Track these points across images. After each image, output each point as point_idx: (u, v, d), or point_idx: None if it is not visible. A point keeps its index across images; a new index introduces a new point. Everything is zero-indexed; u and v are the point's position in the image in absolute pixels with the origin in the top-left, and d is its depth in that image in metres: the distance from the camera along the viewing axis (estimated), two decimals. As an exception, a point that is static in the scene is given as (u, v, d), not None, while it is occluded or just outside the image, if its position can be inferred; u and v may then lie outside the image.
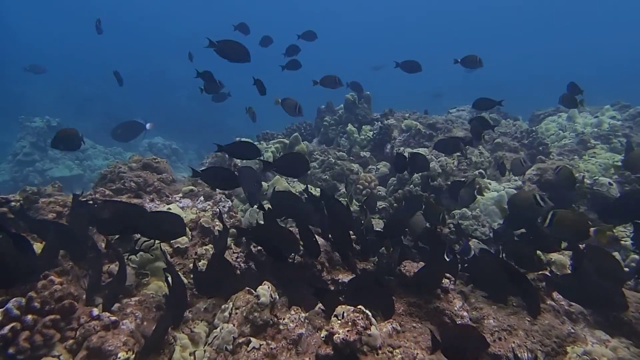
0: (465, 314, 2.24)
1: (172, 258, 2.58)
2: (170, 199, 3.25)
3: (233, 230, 2.86)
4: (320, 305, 2.26)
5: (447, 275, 2.38)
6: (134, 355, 1.81)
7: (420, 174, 3.94)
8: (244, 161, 4.58)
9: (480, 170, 4.45)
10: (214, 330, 2.11)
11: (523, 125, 6.51)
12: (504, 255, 2.51)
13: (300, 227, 2.48)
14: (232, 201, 3.46)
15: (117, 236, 2.44)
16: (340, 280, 2.49)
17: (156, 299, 2.28)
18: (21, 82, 15.85)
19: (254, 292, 2.21)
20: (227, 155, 5.25)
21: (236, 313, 2.16)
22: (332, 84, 4.56)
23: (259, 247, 2.70)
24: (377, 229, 2.95)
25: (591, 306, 2.28)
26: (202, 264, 2.55)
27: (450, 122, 5.74)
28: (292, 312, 2.19)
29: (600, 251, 2.36)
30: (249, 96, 5.08)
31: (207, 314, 2.33)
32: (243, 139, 4.27)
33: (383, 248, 2.80)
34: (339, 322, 1.85)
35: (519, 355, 1.96)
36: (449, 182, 3.81)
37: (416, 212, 2.86)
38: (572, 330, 2.16)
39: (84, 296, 2.11)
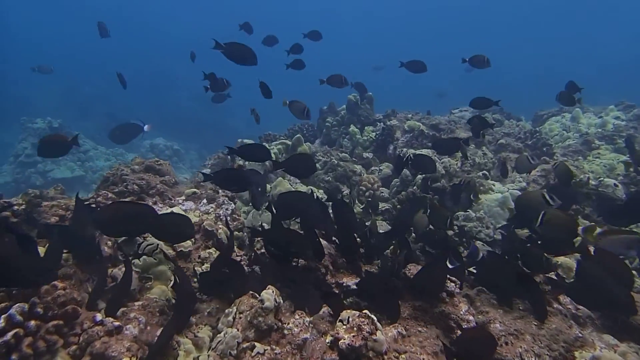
0: (471, 318, 2.21)
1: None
2: (173, 201, 3.23)
3: (236, 233, 2.84)
4: (326, 309, 2.24)
5: (453, 278, 2.36)
6: (137, 360, 1.80)
7: (422, 175, 3.92)
8: (247, 163, 4.57)
9: (484, 171, 4.42)
10: (218, 335, 2.09)
11: (526, 126, 6.47)
12: (517, 256, 2.46)
13: (305, 229, 2.46)
14: (234, 203, 3.44)
15: (122, 238, 2.43)
16: (344, 284, 2.47)
17: (160, 304, 2.25)
18: (23, 83, 15.88)
19: (258, 296, 2.19)
20: (229, 157, 5.24)
21: (240, 317, 2.14)
22: (338, 83, 4.55)
23: (263, 250, 2.68)
24: (384, 231, 2.92)
25: (600, 309, 2.25)
26: (205, 267, 2.54)
27: (453, 122, 5.71)
28: (297, 317, 2.16)
29: (609, 254, 2.32)
30: (251, 97, 5.07)
31: (210, 318, 2.31)
32: (246, 140, 4.26)
33: (387, 251, 2.77)
34: (345, 327, 1.84)
35: (527, 360, 1.94)
36: (452, 184, 3.79)
37: (419, 211, 2.83)
38: (580, 335, 2.12)
39: (87, 300, 2.09)
